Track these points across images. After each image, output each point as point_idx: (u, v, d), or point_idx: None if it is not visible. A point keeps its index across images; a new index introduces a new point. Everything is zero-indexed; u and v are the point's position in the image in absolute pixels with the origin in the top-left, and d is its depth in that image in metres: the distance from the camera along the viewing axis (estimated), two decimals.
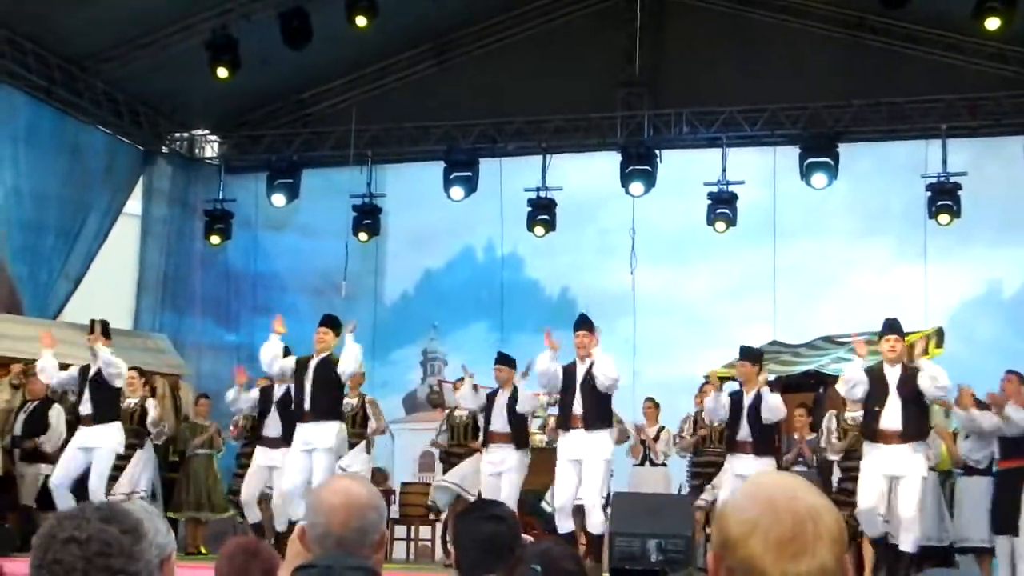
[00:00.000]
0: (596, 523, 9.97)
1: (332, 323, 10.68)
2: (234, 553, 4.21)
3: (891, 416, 9.31)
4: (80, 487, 10.89)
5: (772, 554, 1.75)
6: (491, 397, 11.29)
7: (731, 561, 1.79)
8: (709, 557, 1.84)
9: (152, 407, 12.16)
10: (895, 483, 9.29)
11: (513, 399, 11.08)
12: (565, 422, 10.19)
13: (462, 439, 12.27)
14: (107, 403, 11.21)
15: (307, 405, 10.41)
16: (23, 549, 10.56)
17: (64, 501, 10.43)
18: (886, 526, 9.51)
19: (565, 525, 10.07)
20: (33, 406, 12.38)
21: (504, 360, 11.31)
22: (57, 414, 12.29)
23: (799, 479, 1.86)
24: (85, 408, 11.17)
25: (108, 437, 11.11)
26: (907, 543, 9.28)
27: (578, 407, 10.03)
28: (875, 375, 9.50)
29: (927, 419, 9.63)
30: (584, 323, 10.27)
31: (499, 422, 11.08)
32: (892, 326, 9.54)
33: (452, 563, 3.83)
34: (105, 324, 11.37)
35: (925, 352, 10.22)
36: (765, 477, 1.90)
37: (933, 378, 9.22)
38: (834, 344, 13.72)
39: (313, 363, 10.47)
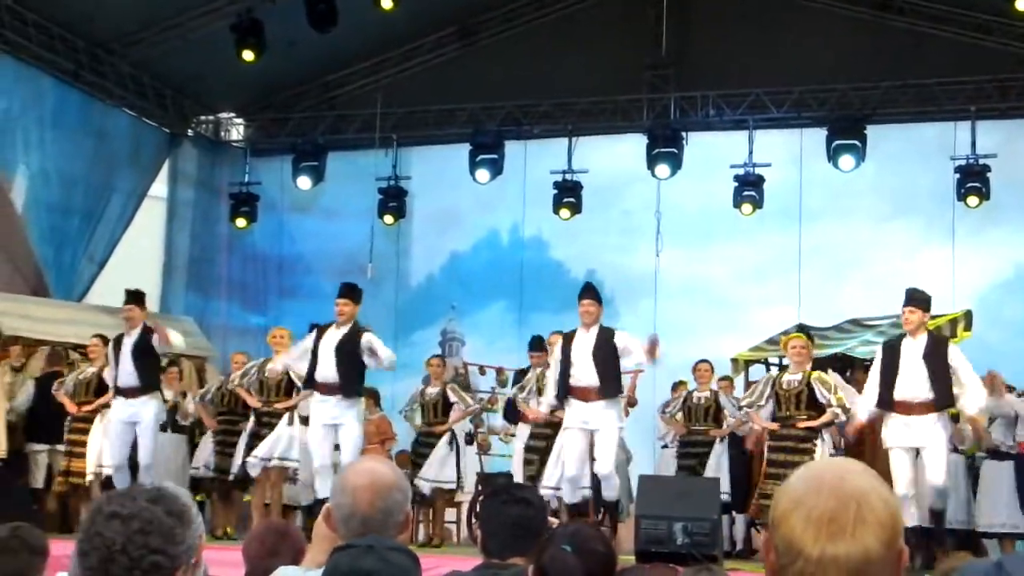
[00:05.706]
0: (612, 488, 9.91)
1: (351, 292, 10.24)
2: (264, 534, 4.24)
3: (907, 386, 9.14)
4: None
5: (811, 532, 1.73)
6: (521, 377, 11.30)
7: (776, 539, 1.77)
8: (763, 537, 1.82)
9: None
10: (920, 454, 9.13)
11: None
12: (565, 392, 9.86)
13: (431, 419, 12.04)
14: (150, 372, 10.67)
15: (328, 378, 10.03)
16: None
17: (124, 484, 9.74)
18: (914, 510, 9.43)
19: (575, 494, 9.93)
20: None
21: (537, 346, 11.22)
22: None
23: (859, 465, 1.83)
24: (126, 379, 10.54)
25: (150, 408, 10.58)
26: (937, 503, 9.13)
27: (590, 378, 9.73)
28: (890, 346, 9.37)
29: (949, 391, 9.33)
30: (589, 291, 10.06)
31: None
32: (911, 297, 9.30)
33: (479, 545, 3.84)
34: (140, 294, 10.83)
35: None
36: (824, 460, 1.88)
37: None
38: (862, 327, 13.64)
39: (338, 335, 10.02)
